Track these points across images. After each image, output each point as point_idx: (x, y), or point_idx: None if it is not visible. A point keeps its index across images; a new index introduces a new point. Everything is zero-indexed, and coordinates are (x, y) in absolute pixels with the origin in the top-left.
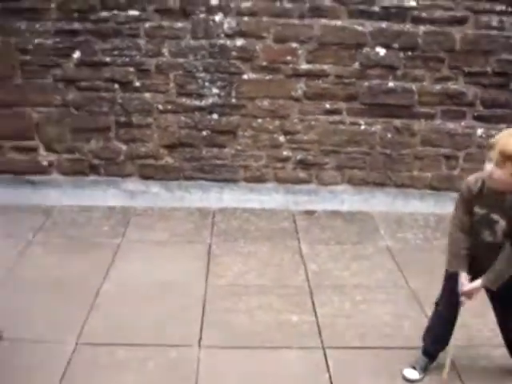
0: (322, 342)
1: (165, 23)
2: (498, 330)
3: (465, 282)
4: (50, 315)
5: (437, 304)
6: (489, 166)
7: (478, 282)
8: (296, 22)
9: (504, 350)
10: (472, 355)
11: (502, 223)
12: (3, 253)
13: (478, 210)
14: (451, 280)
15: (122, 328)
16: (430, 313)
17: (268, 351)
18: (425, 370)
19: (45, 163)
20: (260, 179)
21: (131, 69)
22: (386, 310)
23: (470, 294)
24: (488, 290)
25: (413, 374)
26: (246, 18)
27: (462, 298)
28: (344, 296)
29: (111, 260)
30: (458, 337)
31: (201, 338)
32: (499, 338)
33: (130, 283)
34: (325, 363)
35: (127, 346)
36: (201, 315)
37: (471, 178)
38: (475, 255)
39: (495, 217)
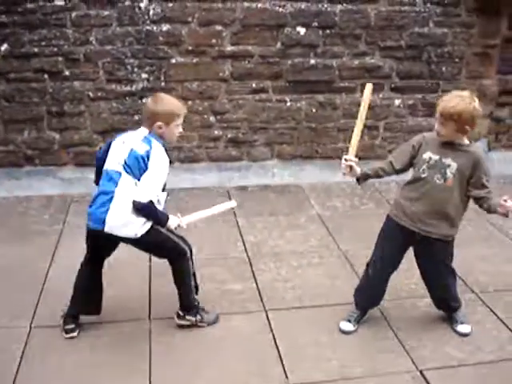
0: (263, 305)
1: (91, 12)
2: (421, 283)
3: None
4: (0, 302)
5: (367, 265)
6: (436, 124)
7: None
8: (219, 5)
9: (427, 300)
10: (400, 306)
11: (453, 166)
12: None
13: (431, 155)
14: (384, 238)
15: None
16: (360, 271)
17: None
18: (358, 321)
19: None
20: (193, 159)
21: (60, 58)
22: (320, 272)
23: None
24: (415, 249)
25: (348, 326)
26: (170, 4)
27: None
28: (281, 262)
29: (55, 246)
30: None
31: (150, 312)
32: (423, 290)
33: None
34: (268, 324)
35: (81, 324)
36: (148, 291)
37: (422, 134)
38: (427, 196)
39: (447, 161)
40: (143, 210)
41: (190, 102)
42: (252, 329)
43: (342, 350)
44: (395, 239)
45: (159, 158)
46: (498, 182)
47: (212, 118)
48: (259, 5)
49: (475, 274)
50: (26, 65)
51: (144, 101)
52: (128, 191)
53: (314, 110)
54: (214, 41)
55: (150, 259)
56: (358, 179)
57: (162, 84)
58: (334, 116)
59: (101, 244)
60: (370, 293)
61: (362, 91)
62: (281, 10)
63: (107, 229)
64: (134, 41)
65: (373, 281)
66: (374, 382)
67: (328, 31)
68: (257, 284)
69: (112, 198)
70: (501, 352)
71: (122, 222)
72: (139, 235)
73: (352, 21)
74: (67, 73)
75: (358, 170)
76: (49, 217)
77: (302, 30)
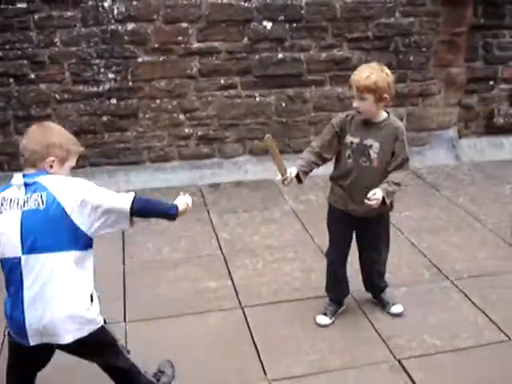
0: (239, 302)
1: (54, 13)
2: (394, 274)
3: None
4: None
5: (326, 255)
6: (354, 102)
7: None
8: (184, 2)
9: (403, 290)
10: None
11: (375, 146)
12: None
13: (352, 139)
14: (331, 224)
15: None
16: None
17: (191, 317)
18: (334, 314)
19: None
20: (164, 158)
21: (25, 61)
22: (295, 265)
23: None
24: (356, 230)
25: (324, 320)
26: (134, 2)
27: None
28: (256, 258)
29: None
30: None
31: (125, 313)
32: (396, 280)
33: None
34: (244, 321)
35: None
36: (122, 292)
37: (342, 115)
38: (357, 180)
39: (368, 142)
40: (141, 207)
41: (158, 101)
42: (229, 326)
43: (320, 343)
44: (340, 222)
45: (69, 186)
46: (468, 169)
47: (181, 116)
48: (224, 0)
49: (449, 261)
50: None
51: (112, 101)
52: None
53: (283, 105)
54: (180, 38)
55: None
56: (297, 180)
57: (130, 83)
58: (304, 110)
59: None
60: (335, 281)
61: (331, 84)
62: (246, 4)
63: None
64: (99, 41)
65: (333, 266)
66: (353, 374)
67: (295, 25)
68: (232, 281)
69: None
70: (478, 338)
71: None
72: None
73: (318, 13)
74: (32, 76)
75: (294, 173)
76: None
77: (268, 25)
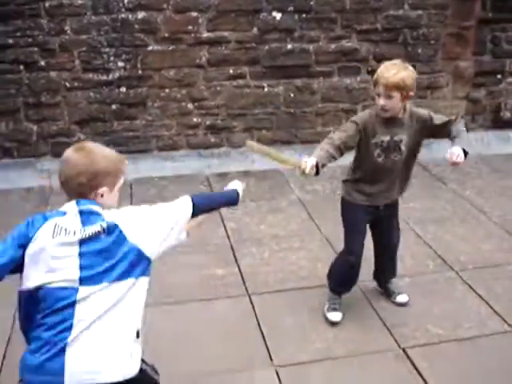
0: (246, 289)
1: (65, 1)
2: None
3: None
4: None
5: (347, 255)
6: (380, 100)
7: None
8: None
9: (407, 280)
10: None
11: (404, 139)
12: None
13: (383, 138)
14: (359, 224)
15: None
16: None
17: (198, 304)
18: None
19: None
20: (173, 147)
21: (35, 49)
22: (301, 255)
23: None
24: (373, 220)
25: (337, 316)
26: None
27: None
28: (262, 247)
29: None
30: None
31: None
32: (402, 270)
33: None
34: (251, 308)
35: None
36: None
37: (364, 115)
38: (389, 175)
39: (398, 138)
40: (202, 207)
41: (167, 90)
42: (235, 313)
43: (326, 332)
44: (363, 219)
45: (129, 213)
46: (475, 162)
47: (190, 105)
48: None
49: (454, 252)
50: (1, 56)
51: (121, 90)
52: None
53: (291, 95)
54: (190, 27)
55: None
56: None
57: (139, 72)
58: (312, 100)
59: None
60: (353, 280)
61: (339, 75)
62: None
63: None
64: (109, 29)
65: (355, 267)
66: (358, 362)
67: (304, 15)
68: (239, 269)
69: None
70: (482, 328)
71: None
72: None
73: (327, 4)
74: (43, 63)
75: (313, 162)
76: (30, 209)
77: (278, 15)
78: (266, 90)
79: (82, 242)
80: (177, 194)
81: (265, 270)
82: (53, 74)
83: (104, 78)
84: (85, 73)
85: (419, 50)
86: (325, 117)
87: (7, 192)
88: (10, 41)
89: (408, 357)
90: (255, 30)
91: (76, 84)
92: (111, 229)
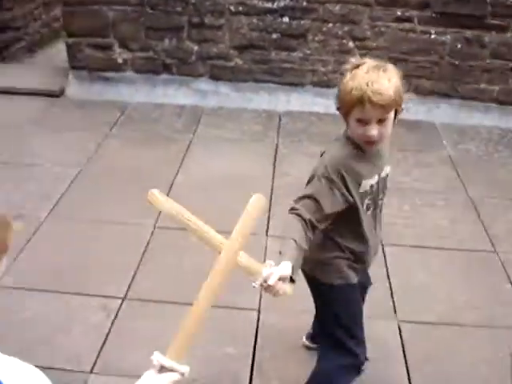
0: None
1: None
2: None
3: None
4: (128, 201)
5: (355, 355)
6: (371, 130)
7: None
8: None
9: None
10: None
11: (387, 169)
12: (83, 144)
13: (370, 182)
14: (358, 309)
15: (195, 214)
16: (485, 220)
17: None
18: None
19: (119, 61)
20: (327, 84)
21: None
22: (443, 214)
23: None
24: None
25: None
26: None
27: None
28: (404, 199)
29: (184, 154)
30: None
31: (268, 229)
32: None
33: (203, 176)
34: (383, 258)
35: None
36: (268, 209)
37: (337, 159)
38: (377, 226)
39: (385, 172)
40: None
41: (329, 25)
42: None
43: (457, 296)
44: (359, 299)
45: None
46: None
47: (351, 44)
48: None
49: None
50: None
51: (284, 20)
52: None
53: (459, 46)
54: None
55: None
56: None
57: (304, 3)
58: (481, 54)
59: None
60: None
61: None
62: None
63: None
64: None
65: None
66: (486, 332)
67: None
68: None
69: None
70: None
71: None
72: None
73: None
74: None
75: (287, 273)
76: (180, 125)
77: None
78: (432, 36)
79: None
80: (324, 131)
81: (402, 222)
82: None
83: (269, 5)
84: None
85: None
86: (491, 73)
87: (162, 106)
88: None
89: None
90: None
91: (240, 9)
92: None
